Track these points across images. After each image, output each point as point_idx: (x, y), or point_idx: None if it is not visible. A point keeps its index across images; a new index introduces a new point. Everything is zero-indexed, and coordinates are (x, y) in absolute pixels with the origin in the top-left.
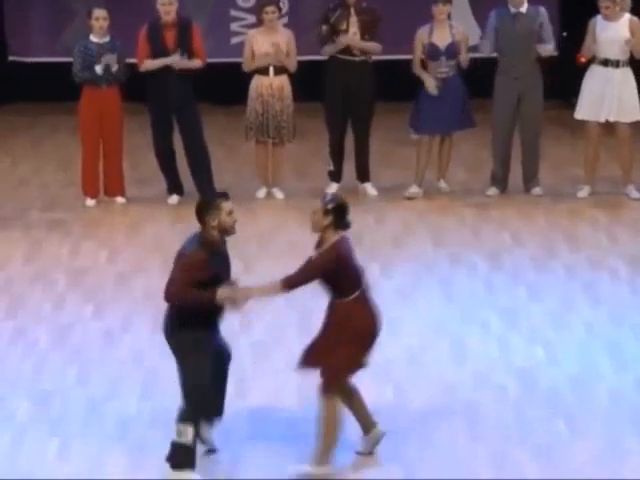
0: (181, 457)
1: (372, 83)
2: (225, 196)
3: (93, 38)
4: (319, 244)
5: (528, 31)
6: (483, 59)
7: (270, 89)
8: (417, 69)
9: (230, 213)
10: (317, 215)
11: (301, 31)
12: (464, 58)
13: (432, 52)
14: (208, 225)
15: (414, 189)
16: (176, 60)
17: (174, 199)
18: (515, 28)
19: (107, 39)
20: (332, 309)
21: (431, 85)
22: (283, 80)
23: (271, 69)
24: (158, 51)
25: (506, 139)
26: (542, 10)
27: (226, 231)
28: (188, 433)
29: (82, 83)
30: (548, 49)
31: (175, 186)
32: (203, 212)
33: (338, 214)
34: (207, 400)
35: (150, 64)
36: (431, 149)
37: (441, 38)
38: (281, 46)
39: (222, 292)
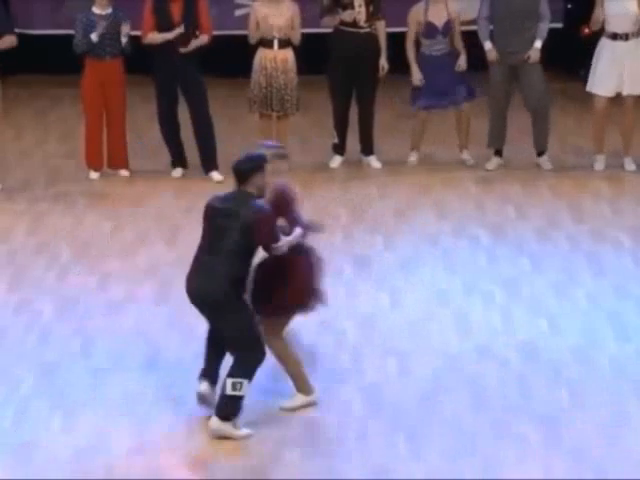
0: (231, 408)
1: (377, 55)
2: (264, 156)
3: (95, 10)
4: None
5: (524, 9)
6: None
7: (274, 62)
8: (410, 52)
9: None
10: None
11: (306, 3)
12: (459, 45)
13: (429, 31)
14: (250, 186)
15: (412, 157)
16: (179, 33)
17: (178, 172)
18: (511, 12)
19: (109, 10)
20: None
21: (416, 78)
22: (287, 53)
23: (275, 42)
24: (164, 24)
25: (500, 112)
26: None
27: (264, 192)
28: (244, 387)
29: (82, 54)
30: (543, 30)
31: (179, 159)
32: (249, 174)
33: None
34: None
35: (152, 38)
36: (426, 121)
37: (437, 16)
38: (285, 19)
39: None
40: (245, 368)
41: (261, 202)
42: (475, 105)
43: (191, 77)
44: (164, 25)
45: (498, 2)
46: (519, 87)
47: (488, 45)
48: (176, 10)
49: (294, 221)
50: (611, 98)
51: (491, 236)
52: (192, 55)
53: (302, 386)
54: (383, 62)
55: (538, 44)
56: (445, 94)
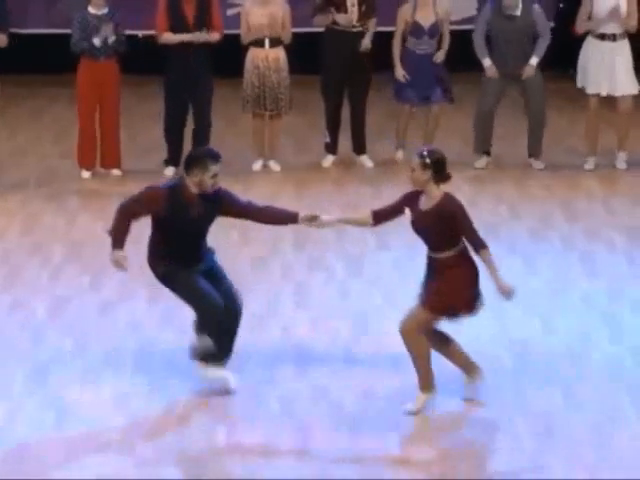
0: (207, 355)
1: (369, 54)
2: (216, 158)
3: (91, 9)
4: (412, 197)
5: (523, 32)
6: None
7: (266, 61)
8: (395, 49)
9: (214, 176)
10: (416, 171)
11: (301, 2)
12: (445, 43)
13: (416, 31)
14: (190, 178)
15: (398, 154)
16: (197, 37)
17: (171, 171)
18: (509, 31)
19: (105, 10)
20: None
21: (399, 74)
22: (279, 52)
23: (267, 41)
24: (177, 23)
25: (487, 119)
26: (536, 7)
27: (203, 190)
28: (207, 340)
29: (80, 54)
30: (541, 48)
31: (174, 158)
32: (190, 165)
33: (437, 168)
34: (215, 312)
35: (168, 38)
36: (410, 117)
37: (425, 17)
38: (276, 18)
39: (116, 254)
40: (204, 324)
41: (167, 184)
42: (462, 104)
43: (202, 79)
44: (178, 24)
45: (495, 21)
46: (520, 90)
47: (487, 62)
48: (190, 9)
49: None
50: (604, 98)
51: (484, 236)
52: (205, 56)
53: (424, 384)
54: (367, 41)
55: (534, 61)
56: (423, 92)
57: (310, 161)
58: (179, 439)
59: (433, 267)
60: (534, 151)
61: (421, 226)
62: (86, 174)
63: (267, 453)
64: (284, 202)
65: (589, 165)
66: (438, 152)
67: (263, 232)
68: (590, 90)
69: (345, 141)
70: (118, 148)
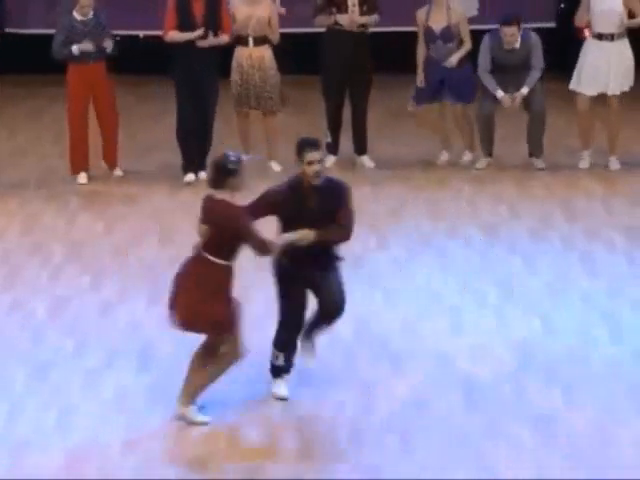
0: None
1: (370, 54)
2: (313, 145)
3: (77, 15)
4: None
5: (522, 62)
6: (485, 31)
7: (249, 59)
8: (418, 53)
9: (310, 164)
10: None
11: (299, 2)
12: (464, 46)
13: (428, 36)
14: (300, 166)
15: (443, 156)
16: (200, 34)
17: (191, 177)
18: (509, 61)
19: (90, 16)
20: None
21: (418, 79)
22: (264, 50)
23: (250, 40)
24: (185, 22)
25: (488, 124)
26: (533, 37)
27: (308, 178)
28: (279, 358)
29: (63, 60)
30: (533, 78)
31: (192, 163)
32: (297, 154)
33: (215, 170)
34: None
35: (173, 36)
36: (444, 115)
37: (437, 21)
38: (261, 17)
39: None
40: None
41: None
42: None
43: (206, 79)
44: (186, 24)
45: (496, 54)
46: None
47: (500, 93)
48: (198, 9)
49: None
50: (595, 97)
51: (484, 236)
52: (211, 58)
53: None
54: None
55: (525, 90)
56: (445, 91)
57: None
58: (180, 439)
59: None
60: (535, 151)
61: None
62: (83, 179)
63: (267, 453)
64: None
65: (584, 163)
66: (229, 161)
67: (264, 232)
68: (580, 89)
69: (346, 141)
70: (117, 148)
